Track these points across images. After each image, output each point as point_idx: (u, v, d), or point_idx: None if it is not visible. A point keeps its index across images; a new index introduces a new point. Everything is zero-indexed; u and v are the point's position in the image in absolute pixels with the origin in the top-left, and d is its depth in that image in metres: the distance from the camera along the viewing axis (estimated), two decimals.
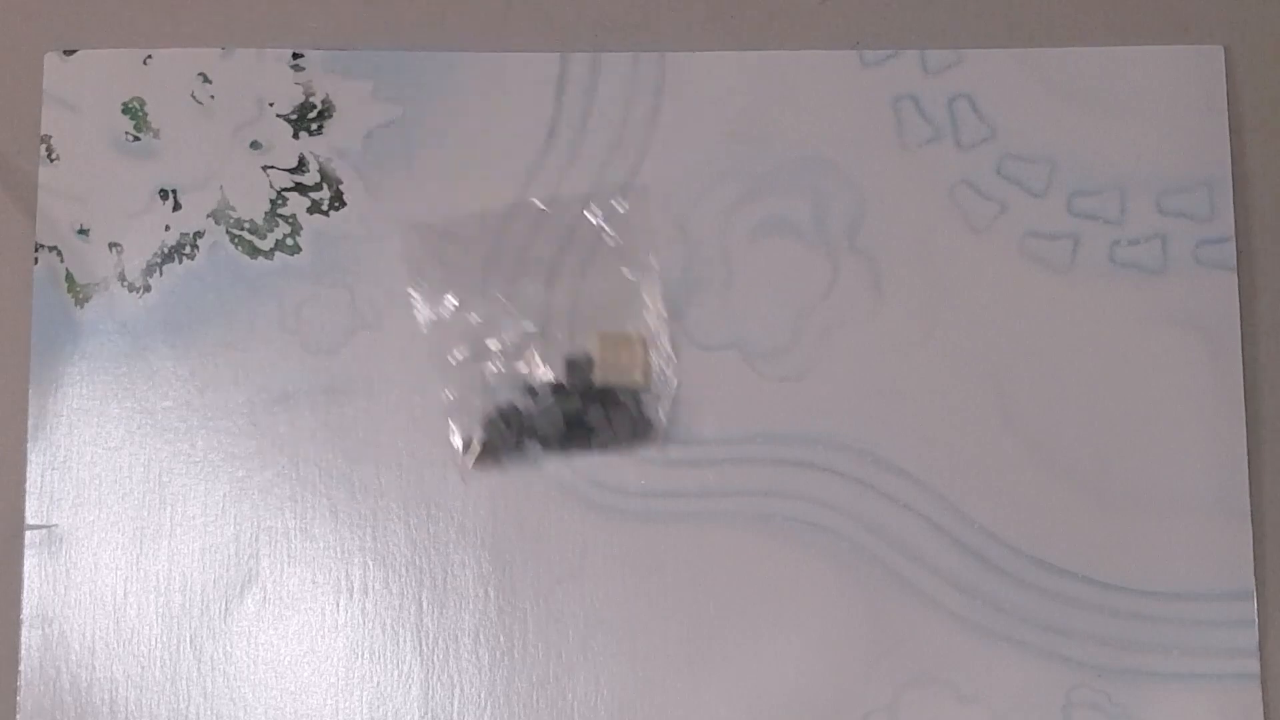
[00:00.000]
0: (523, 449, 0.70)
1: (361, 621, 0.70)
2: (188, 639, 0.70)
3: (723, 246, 0.72)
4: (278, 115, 0.73)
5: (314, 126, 0.73)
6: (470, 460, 0.70)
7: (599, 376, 0.71)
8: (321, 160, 0.73)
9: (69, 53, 0.73)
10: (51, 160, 0.73)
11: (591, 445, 0.71)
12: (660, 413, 0.71)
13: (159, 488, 0.71)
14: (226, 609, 0.70)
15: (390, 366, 0.71)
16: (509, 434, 0.70)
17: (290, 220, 0.72)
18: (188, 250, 0.72)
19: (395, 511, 0.71)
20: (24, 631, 0.70)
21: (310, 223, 0.72)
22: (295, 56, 0.73)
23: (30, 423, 0.71)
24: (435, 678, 0.69)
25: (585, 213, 0.71)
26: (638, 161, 0.72)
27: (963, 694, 0.69)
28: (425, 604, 0.70)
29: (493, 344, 0.71)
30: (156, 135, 0.73)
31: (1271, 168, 0.73)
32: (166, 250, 0.72)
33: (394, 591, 0.70)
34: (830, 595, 0.70)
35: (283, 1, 0.74)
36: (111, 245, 0.72)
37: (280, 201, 0.72)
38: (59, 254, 0.72)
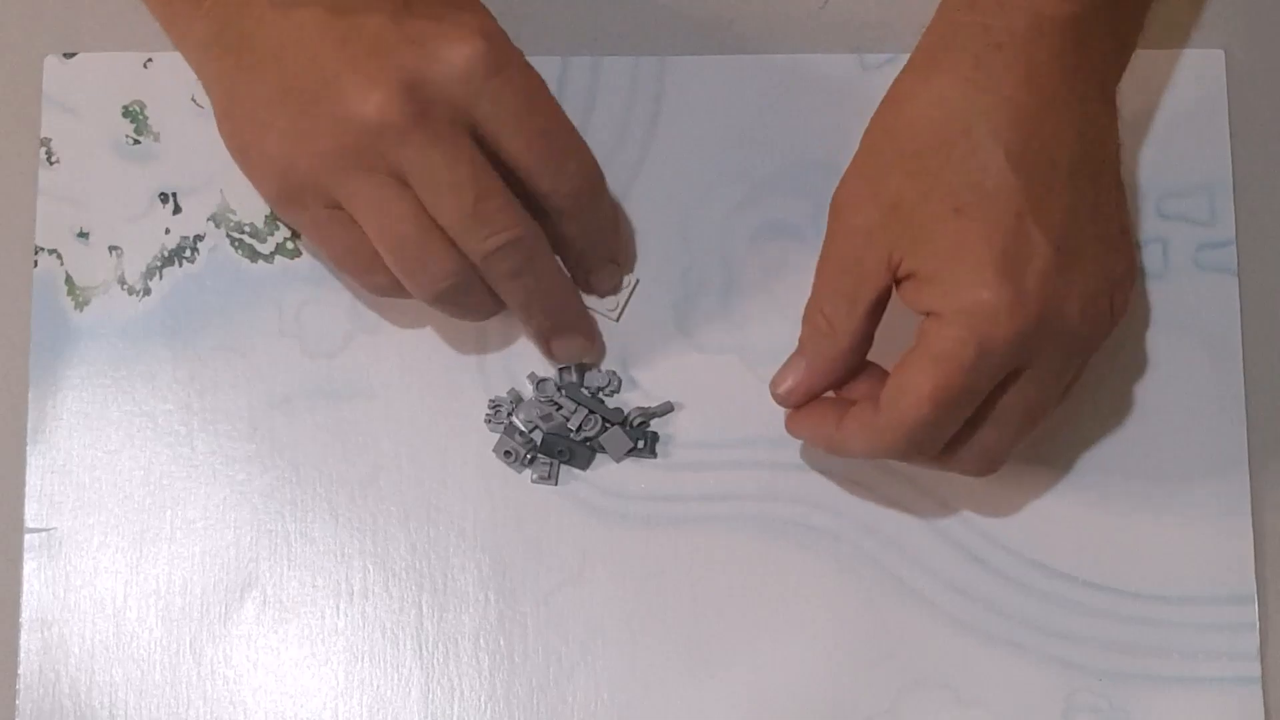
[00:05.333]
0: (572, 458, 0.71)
1: (361, 625, 0.70)
2: (187, 643, 0.70)
3: (723, 250, 0.72)
4: None
5: None
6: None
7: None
8: None
9: (69, 56, 0.73)
10: (51, 163, 0.73)
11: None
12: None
13: (158, 491, 0.71)
14: (226, 612, 0.70)
15: (390, 369, 0.71)
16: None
17: None
18: (188, 254, 0.72)
19: (395, 515, 0.71)
20: (23, 635, 0.70)
21: None
22: None
23: (30, 426, 0.71)
24: (435, 681, 0.69)
25: None
26: (638, 165, 0.72)
27: (962, 698, 0.69)
28: (425, 608, 0.70)
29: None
30: (157, 139, 0.73)
31: (1272, 172, 0.73)
32: (166, 254, 0.72)
33: (394, 595, 0.70)
34: (830, 599, 0.70)
35: None
36: (111, 248, 0.72)
37: None
38: (59, 257, 0.72)
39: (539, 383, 0.71)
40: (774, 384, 0.67)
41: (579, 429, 0.70)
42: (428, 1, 0.63)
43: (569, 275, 0.69)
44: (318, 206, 0.64)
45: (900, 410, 0.62)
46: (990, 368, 0.61)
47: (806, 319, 0.66)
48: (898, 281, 0.63)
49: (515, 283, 0.65)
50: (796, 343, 0.66)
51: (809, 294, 0.65)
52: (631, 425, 0.71)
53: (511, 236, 0.64)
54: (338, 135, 0.62)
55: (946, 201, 0.62)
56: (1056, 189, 0.62)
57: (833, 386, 0.66)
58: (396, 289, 0.66)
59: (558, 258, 0.69)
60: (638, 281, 0.72)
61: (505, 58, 0.62)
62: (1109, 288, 0.64)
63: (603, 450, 0.71)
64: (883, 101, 0.65)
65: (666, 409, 0.71)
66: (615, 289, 0.71)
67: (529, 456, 0.70)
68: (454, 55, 0.61)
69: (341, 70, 0.62)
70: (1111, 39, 0.66)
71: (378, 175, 0.62)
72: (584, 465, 0.71)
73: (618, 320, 0.71)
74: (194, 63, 0.69)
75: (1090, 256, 0.63)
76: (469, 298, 0.66)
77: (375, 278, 0.66)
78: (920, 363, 0.61)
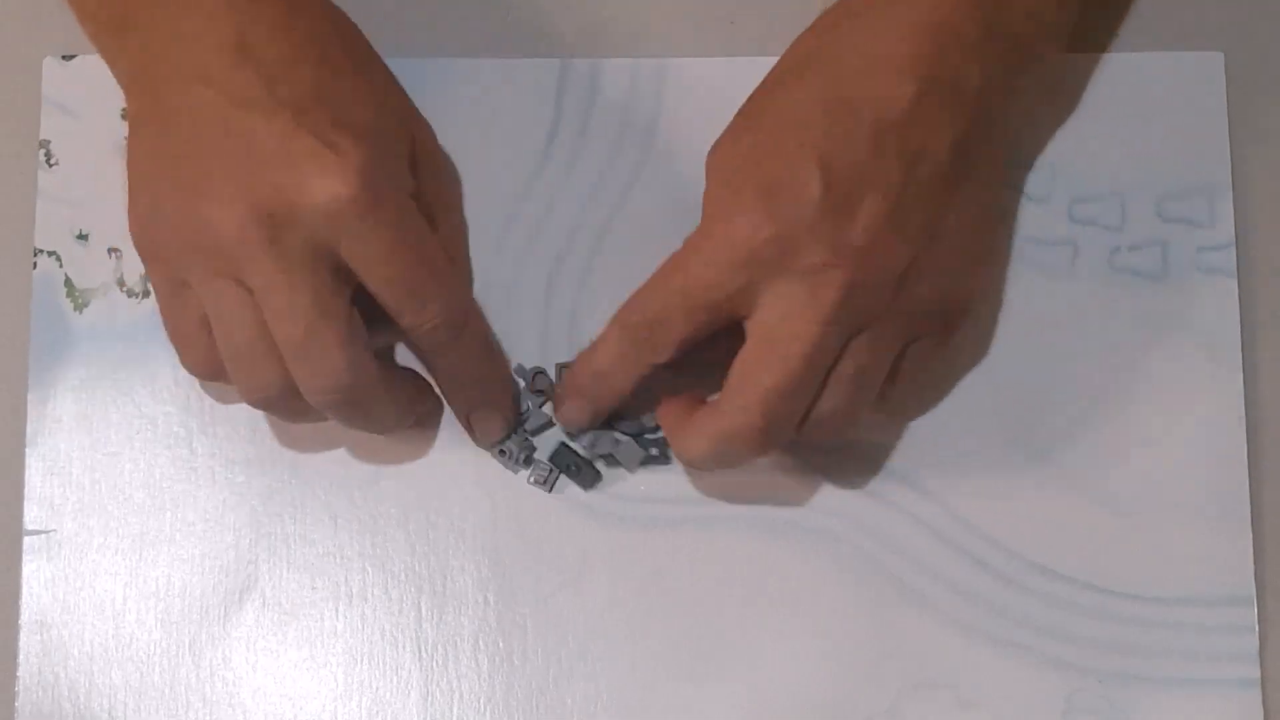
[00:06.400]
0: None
1: (360, 627, 0.70)
2: (187, 645, 0.70)
3: None
4: None
5: None
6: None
7: None
8: None
9: (68, 58, 0.73)
10: (50, 165, 0.73)
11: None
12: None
13: (158, 493, 0.71)
14: (225, 615, 0.70)
15: None
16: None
17: None
18: None
19: (394, 517, 0.71)
20: (22, 637, 0.70)
21: None
22: None
23: (29, 428, 0.71)
24: (434, 684, 0.69)
25: None
26: (638, 168, 0.72)
27: (963, 699, 0.69)
28: (424, 610, 0.70)
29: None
30: None
31: (1271, 174, 0.73)
32: None
33: (393, 597, 0.70)
34: (831, 600, 0.70)
35: None
36: (111, 250, 0.72)
37: None
38: (58, 259, 0.72)
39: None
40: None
41: (593, 445, 0.70)
42: (323, 117, 0.62)
43: (401, 411, 0.68)
44: (163, 276, 0.64)
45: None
46: (730, 272, 0.63)
47: None
48: None
49: (336, 415, 0.65)
50: None
51: None
52: (649, 434, 0.71)
53: (333, 382, 0.62)
54: (196, 233, 0.61)
55: (746, 121, 0.66)
56: (858, 137, 0.63)
57: None
58: (209, 376, 0.66)
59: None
60: None
61: (376, 198, 0.61)
62: (883, 255, 0.63)
63: (616, 463, 0.70)
64: None
65: None
66: (493, 439, 0.70)
67: (524, 456, 0.70)
68: (323, 190, 0.60)
69: (216, 172, 0.61)
70: (997, 39, 0.65)
71: (225, 280, 0.62)
72: (588, 485, 0.70)
73: None
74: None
75: (866, 216, 0.62)
76: (290, 412, 0.65)
77: (189, 356, 0.66)
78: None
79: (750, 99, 0.67)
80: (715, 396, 0.65)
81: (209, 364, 0.65)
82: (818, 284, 0.62)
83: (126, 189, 0.65)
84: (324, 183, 0.60)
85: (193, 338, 0.65)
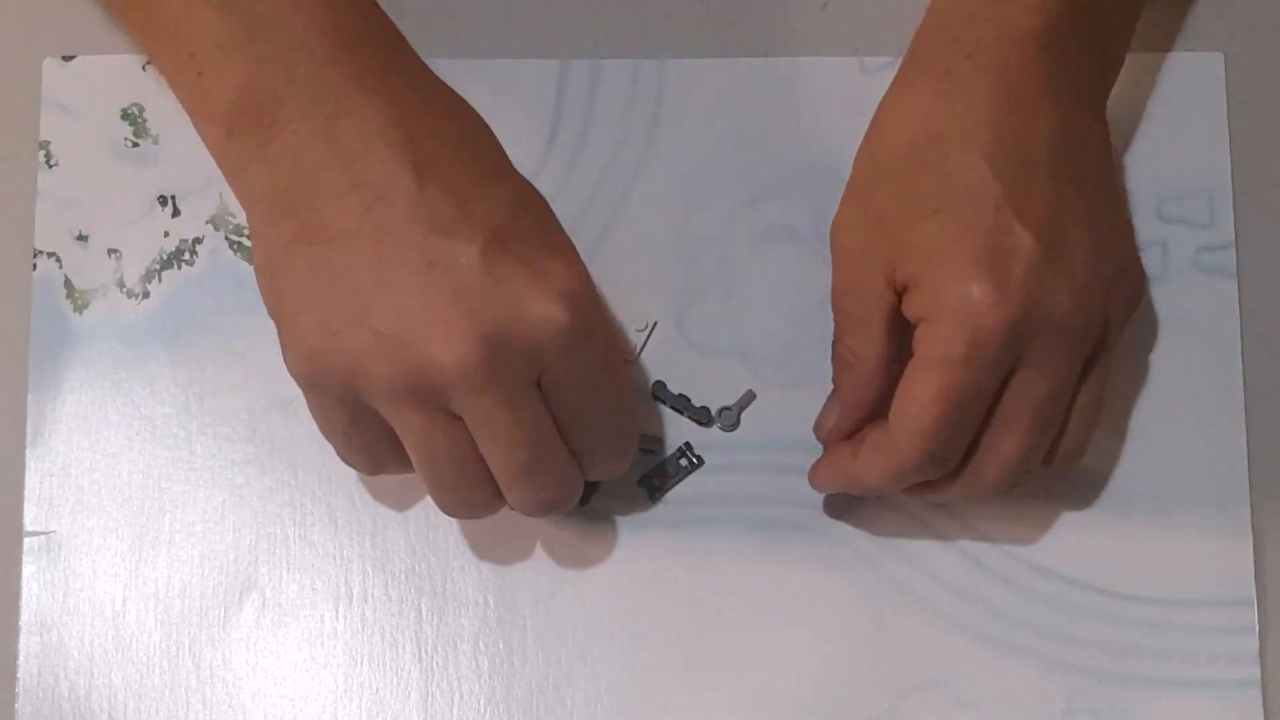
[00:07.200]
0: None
1: (360, 628, 0.70)
2: (186, 646, 0.70)
3: (724, 253, 0.72)
4: None
5: None
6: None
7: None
8: None
9: (68, 58, 0.73)
10: (50, 166, 0.73)
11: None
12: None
13: (158, 494, 0.71)
14: (225, 616, 0.70)
15: None
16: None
17: None
18: (187, 256, 0.72)
19: (394, 518, 0.70)
20: (22, 638, 0.70)
21: None
22: None
23: (29, 429, 0.71)
24: (434, 685, 0.69)
25: None
26: (638, 168, 0.72)
27: (963, 700, 0.69)
28: (424, 611, 0.70)
29: None
30: (155, 141, 0.73)
31: (1271, 175, 0.73)
32: (166, 256, 0.72)
33: (393, 598, 0.70)
34: (830, 602, 0.70)
35: None
36: (110, 251, 0.72)
37: None
38: (58, 260, 0.72)
39: None
40: (816, 427, 0.67)
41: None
42: (523, 239, 0.59)
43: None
44: (337, 405, 0.61)
45: (910, 421, 0.61)
46: (986, 361, 0.60)
47: (833, 355, 0.66)
48: (901, 297, 0.63)
49: (541, 513, 0.64)
50: (797, 345, 0.66)
51: (809, 297, 0.65)
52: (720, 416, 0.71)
53: (549, 498, 0.62)
54: (404, 370, 0.58)
55: (925, 205, 0.62)
56: (1037, 183, 0.62)
57: (870, 416, 0.66)
58: (380, 472, 0.64)
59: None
60: (655, 324, 0.71)
61: (590, 322, 0.59)
62: (1102, 286, 0.63)
63: (655, 487, 0.70)
64: (868, 126, 0.65)
65: (750, 398, 0.71)
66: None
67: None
68: (543, 318, 0.58)
69: (422, 307, 0.57)
70: (1090, 50, 0.65)
71: (433, 412, 0.59)
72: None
73: (635, 362, 0.71)
74: (242, 201, 0.62)
75: (1080, 251, 0.62)
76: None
77: (366, 465, 0.64)
78: (919, 370, 0.61)
79: (863, 182, 0.65)
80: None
81: (384, 468, 0.64)
82: (1069, 336, 0.62)
83: (277, 317, 0.60)
84: (541, 308, 0.58)
85: (376, 454, 0.62)
